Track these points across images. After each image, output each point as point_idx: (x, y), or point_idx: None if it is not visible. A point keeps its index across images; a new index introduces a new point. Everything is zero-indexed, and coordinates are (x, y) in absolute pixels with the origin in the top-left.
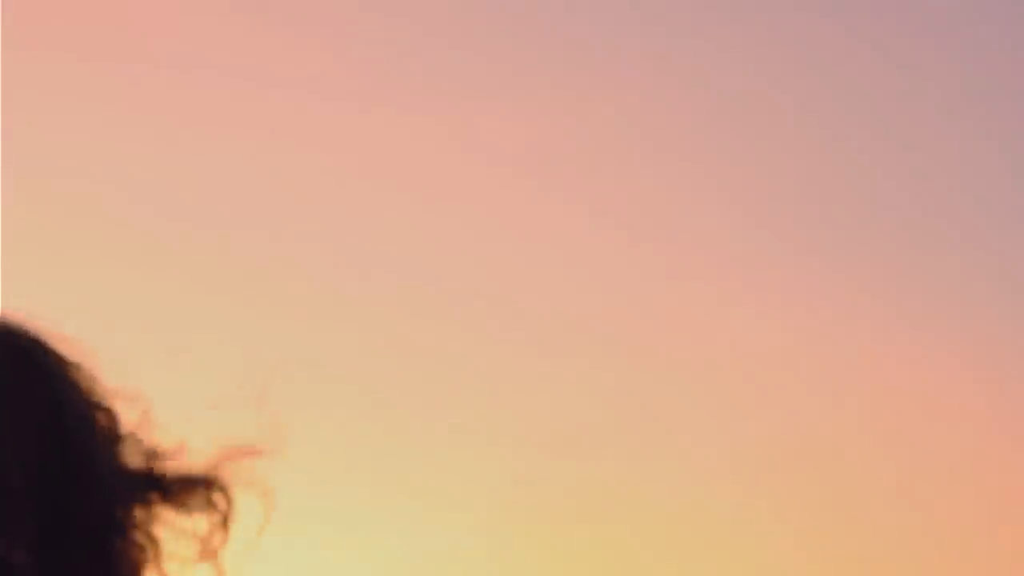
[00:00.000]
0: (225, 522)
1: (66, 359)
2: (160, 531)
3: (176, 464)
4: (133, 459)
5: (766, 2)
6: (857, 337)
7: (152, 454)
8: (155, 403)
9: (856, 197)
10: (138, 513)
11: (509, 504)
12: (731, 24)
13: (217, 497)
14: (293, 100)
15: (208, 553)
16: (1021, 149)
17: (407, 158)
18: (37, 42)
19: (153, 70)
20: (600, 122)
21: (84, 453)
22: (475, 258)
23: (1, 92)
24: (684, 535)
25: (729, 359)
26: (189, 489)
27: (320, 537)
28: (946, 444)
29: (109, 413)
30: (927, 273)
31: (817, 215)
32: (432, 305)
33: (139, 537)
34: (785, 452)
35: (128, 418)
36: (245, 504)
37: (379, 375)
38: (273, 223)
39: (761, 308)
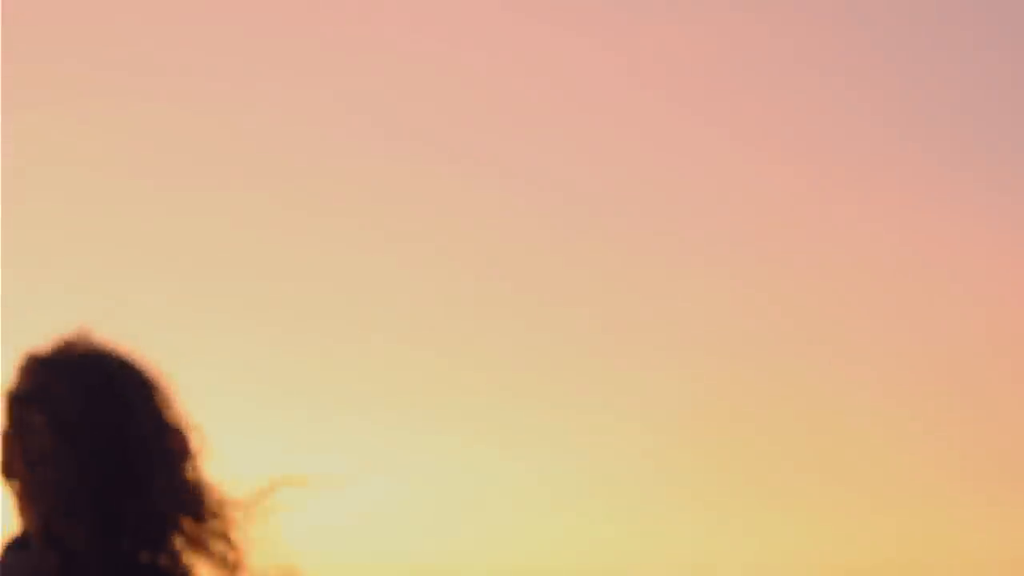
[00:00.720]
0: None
1: (146, 384)
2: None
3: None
4: (189, 479)
5: None
6: (1006, 248)
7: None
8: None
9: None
10: (178, 530)
11: (679, 416)
12: None
13: (227, 550)
14: None
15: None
16: None
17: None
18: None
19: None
20: (735, 49)
21: (139, 474)
22: (645, 187)
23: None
24: (840, 443)
25: (877, 271)
26: (218, 527)
27: (515, 448)
28: None
29: (178, 434)
30: None
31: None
32: (612, 228)
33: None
34: (933, 362)
35: (194, 438)
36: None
37: (565, 296)
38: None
39: (905, 221)
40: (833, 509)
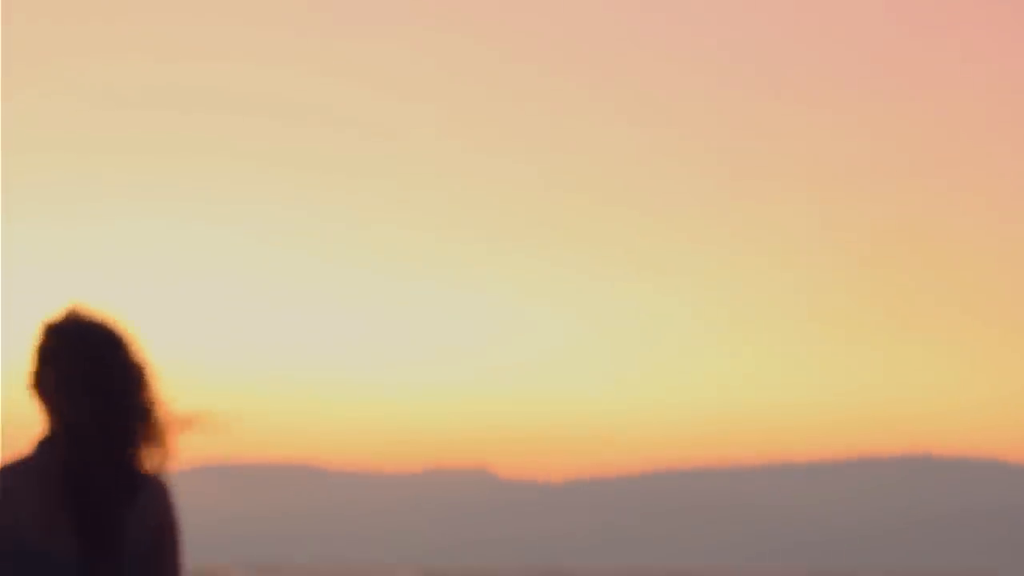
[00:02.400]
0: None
1: (117, 341)
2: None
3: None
4: (145, 403)
5: None
6: None
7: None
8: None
9: None
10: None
11: (811, 243)
12: None
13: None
14: None
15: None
16: None
17: None
18: None
19: None
20: None
21: (115, 400)
22: (774, 34)
23: None
24: (975, 272)
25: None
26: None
27: (672, 285)
28: None
29: (138, 373)
30: None
31: None
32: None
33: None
34: None
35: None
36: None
37: (714, 143)
38: None
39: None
40: (973, 339)
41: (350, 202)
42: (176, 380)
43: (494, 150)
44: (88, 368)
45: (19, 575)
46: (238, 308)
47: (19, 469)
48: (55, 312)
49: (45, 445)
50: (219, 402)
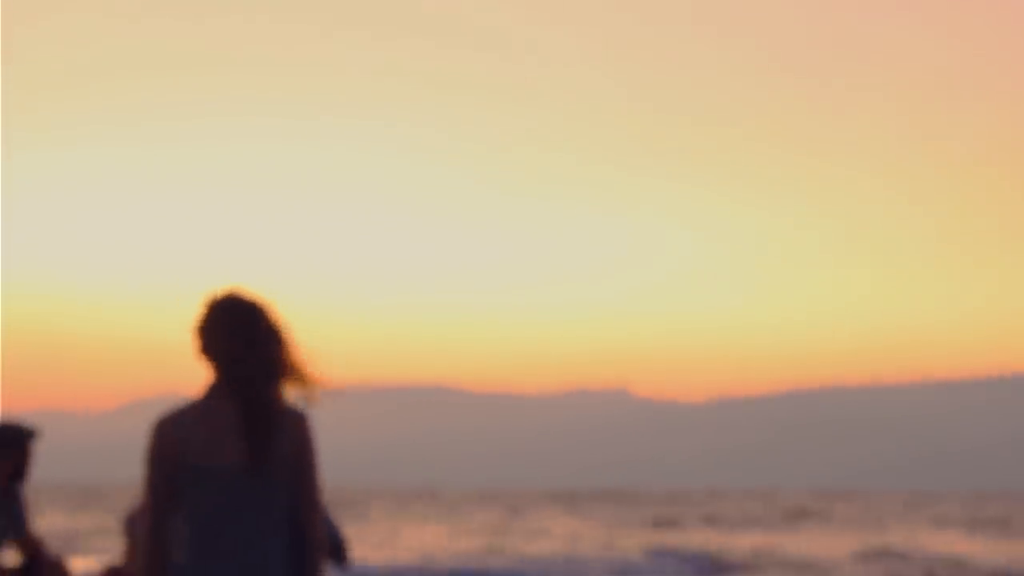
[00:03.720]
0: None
1: (265, 308)
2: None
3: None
4: (284, 356)
5: None
6: None
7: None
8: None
9: None
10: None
11: (914, 151)
12: None
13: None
14: None
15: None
16: None
17: None
18: None
19: None
20: None
21: (261, 351)
22: None
23: None
24: None
25: None
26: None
27: (786, 204)
28: None
29: (282, 332)
30: None
31: None
32: None
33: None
34: None
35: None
36: None
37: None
38: None
39: None
40: None
41: (495, 124)
42: (318, 313)
43: (633, 81)
44: (240, 334)
45: (191, 483)
46: (384, 230)
47: (189, 408)
48: (216, 292)
49: (211, 390)
50: (362, 324)
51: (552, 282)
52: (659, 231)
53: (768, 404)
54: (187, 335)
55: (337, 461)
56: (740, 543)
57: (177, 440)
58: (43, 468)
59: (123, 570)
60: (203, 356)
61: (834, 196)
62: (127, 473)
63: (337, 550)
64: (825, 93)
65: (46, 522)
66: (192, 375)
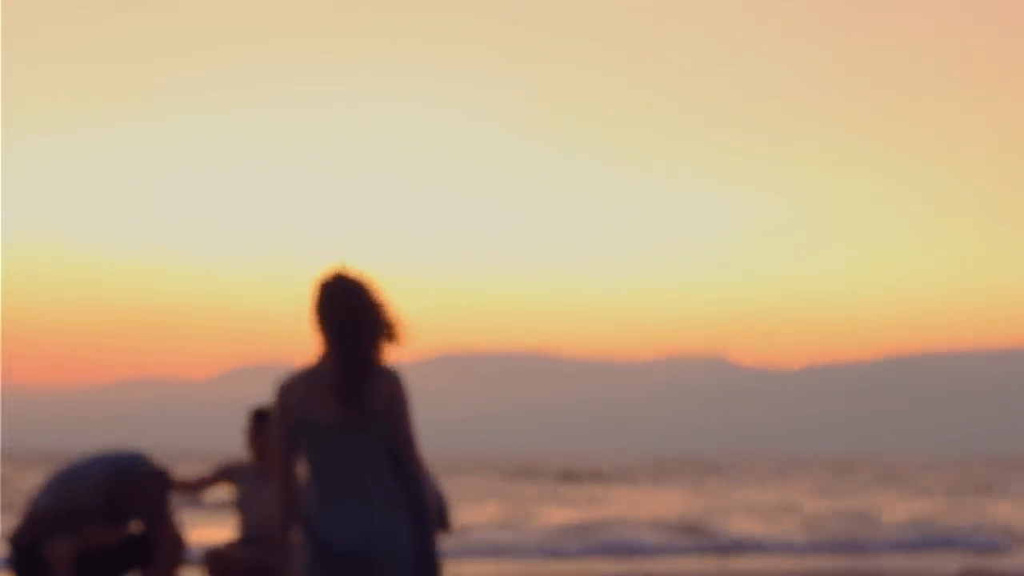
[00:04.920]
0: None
1: (365, 285)
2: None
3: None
4: (387, 320)
5: None
6: None
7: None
8: None
9: None
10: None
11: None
12: None
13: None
14: None
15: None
16: None
17: None
18: None
19: None
20: None
21: (360, 323)
22: None
23: None
24: None
25: None
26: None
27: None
28: None
29: (382, 308)
30: None
31: None
32: None
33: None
34: None
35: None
36: None
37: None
38: None
39: None
40: None
41: (596, 99)
42: (415, 280)
43: (711, 57)
44: (342, 308)
45: (303, 437)
46: (484, 199)
47: (301, 372)
48: (325, 271)
49: (321, 358)
50: (461, 292)
51: (649, 251)
52: (757, 199)
53: (863, 371)
54: (287, 304)
55: (432, 429)
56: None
57: (289, 399)
58: (145, 435)
59: (225, 552)
60: (314, 327)
61: (930, 162)
62: (227, 440)
63: (440, 514)
64: (932, 59)
65: None
66: (291, 344)
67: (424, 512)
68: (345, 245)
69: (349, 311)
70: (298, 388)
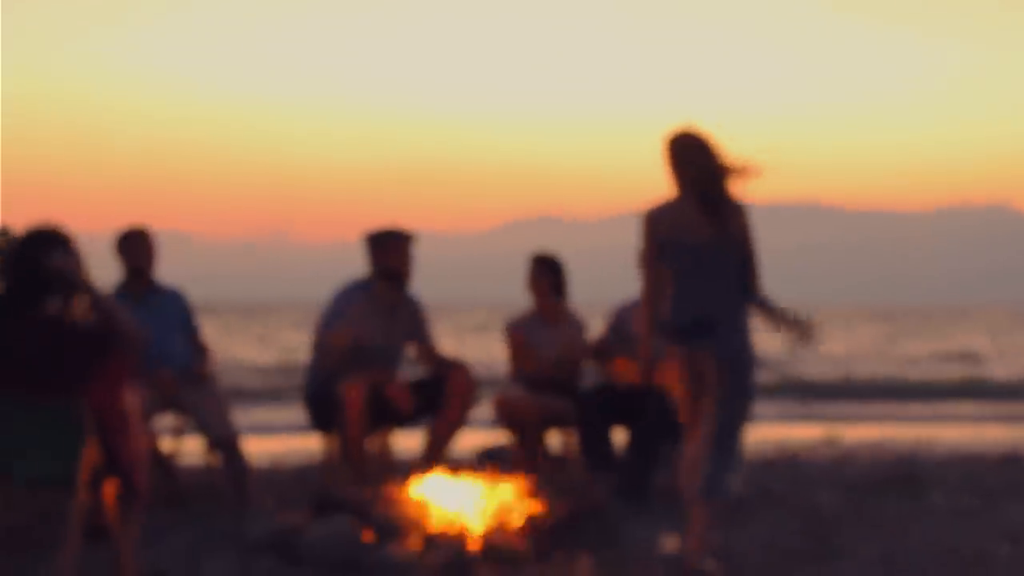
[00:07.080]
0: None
1: (707, 138)
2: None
3: None
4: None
5: None
6: None
7: None
8: None
9: None
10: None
11: None
12: None
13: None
14: None
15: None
16: None
17: None
18: None
19: None
20: None
21: (711, 165)
22: None
23: None
24: None
25: None
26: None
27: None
28: None
29: (722, 153)
30: None
31: None
32: None
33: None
34: None
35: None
36: None
37: None
38: None
39: None
40: None
41: None
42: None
43: None
44: (697, 155)
45: (669, 254)
46: (759, 51)
47: (664, 203)
48: (680, 127)
49: (680, 193)
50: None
51: (927, 100)
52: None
53: None
54: (558, 160)
55: None
56: None
57: (657, 225)
58: (423, 287)
59: (513, 397)
60: (672, 170)
61: None
62: (504, 291)
63: (801, 324)
64: None
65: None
66: (563, 198)
67: (776, 313)
68: (631, 100)
69: (707, 157)
70: (664, 215)
